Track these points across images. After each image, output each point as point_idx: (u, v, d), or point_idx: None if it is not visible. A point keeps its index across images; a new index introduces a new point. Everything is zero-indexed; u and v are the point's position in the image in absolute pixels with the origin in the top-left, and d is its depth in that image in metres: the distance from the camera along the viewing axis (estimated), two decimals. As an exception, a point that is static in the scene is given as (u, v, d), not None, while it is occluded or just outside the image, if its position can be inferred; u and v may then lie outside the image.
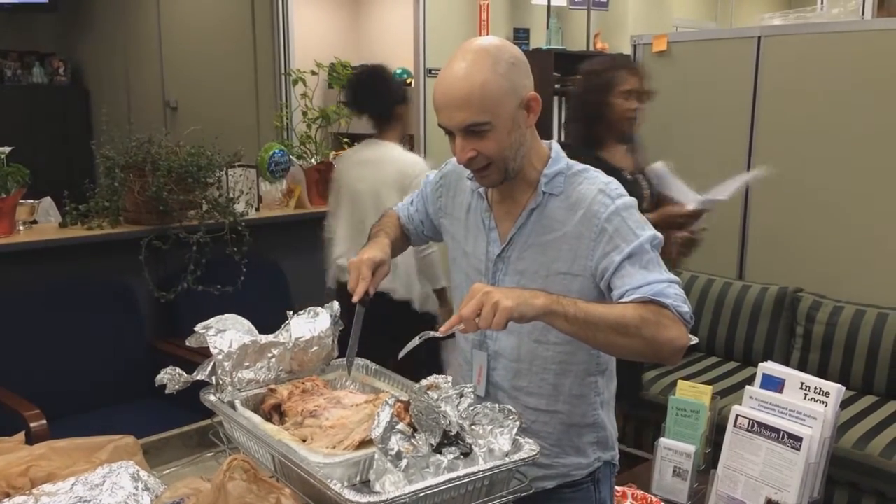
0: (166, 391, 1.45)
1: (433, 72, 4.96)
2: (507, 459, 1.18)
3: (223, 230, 3.15)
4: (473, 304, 1.25)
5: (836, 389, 2.02)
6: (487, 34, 5.21)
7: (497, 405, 1.26)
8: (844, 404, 3.03)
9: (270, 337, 1.45)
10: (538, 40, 5.50)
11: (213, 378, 1.39)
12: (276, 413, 1.38)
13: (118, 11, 5.54)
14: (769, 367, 2.15)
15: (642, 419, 3.31)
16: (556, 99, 5.29)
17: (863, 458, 2.72)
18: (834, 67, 3.38)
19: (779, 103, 3.56)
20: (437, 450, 1.16)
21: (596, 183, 1.48)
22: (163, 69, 5.17)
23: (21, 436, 1.59)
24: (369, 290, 1.52)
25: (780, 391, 2.12)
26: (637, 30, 5.38)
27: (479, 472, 1.14)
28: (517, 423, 1.24)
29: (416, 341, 1.32)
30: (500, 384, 1.57)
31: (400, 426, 1.14)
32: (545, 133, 5.02)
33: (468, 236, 1.61)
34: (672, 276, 1.40)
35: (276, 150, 3.53)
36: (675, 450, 2.29)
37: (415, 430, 1.18)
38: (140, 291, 3.17)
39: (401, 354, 1.33)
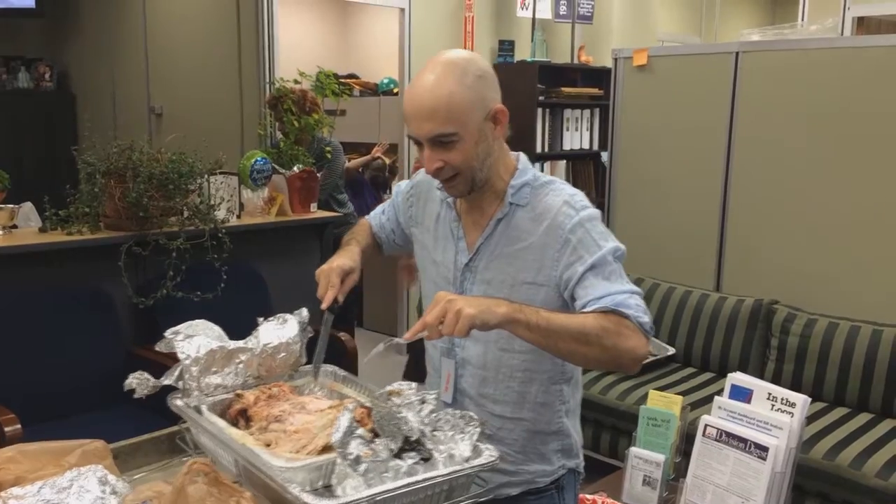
0: (135, 395, 1.46)
1: (418, 82, 5.00)
2: (467, 465, 1.20)
3: (203, 237, 3.16)
4: (437, 312, 1.28)
5: (801, 400, 2.05)
6: (472, 46, 5.25)
7: (458, 412, 1.29)
8: (816, 416, 3.08)
9: (239, 343, 1.47)
10: (523, 53, 5.55)
11: (181, 383, 1.40)
12: (242, 418, 1.39)
13: (104, 17, 5.55)
14: (738, 378, 2.18)
15: (617, 429, 3.34)
16: (539, 111, 5.33)
17: (832, 468, 2.76)
18: (811, 83, 3.43)
19: (756, 118, 3.61)
20: (398, 455, 1.18)
21: (561, 195, 1.51)
22: (148, 75, 5.18)
23: (-9, 439, 1.61)
24: (338, 298, 1.55)
25: (749, 402, 2.16)
26: (622, 43, 5.45)
27: (438, 476, 1.16)
28: (478, 429, 1.26)
29: (380, 347, 1.34)
30: (467, 391, 1.59)
31: (360, 431, 1.16)
32: (529, 144, 5.09)
33: (437, 245, 1.64)
34: (634, 288, 1.43)
35: (258, 158, 3.55)
36: (645, 459, 2.31)
37: (376, 435, 1.20)
38: (120, 297, 3.18)
39: (366, 360, 1.35)
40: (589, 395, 3.40)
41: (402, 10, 4.93)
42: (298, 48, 5.60)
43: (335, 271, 1.56)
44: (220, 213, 3.34)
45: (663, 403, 2.37)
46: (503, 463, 1.57)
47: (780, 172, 3.55)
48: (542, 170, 5.44)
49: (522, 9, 5.40)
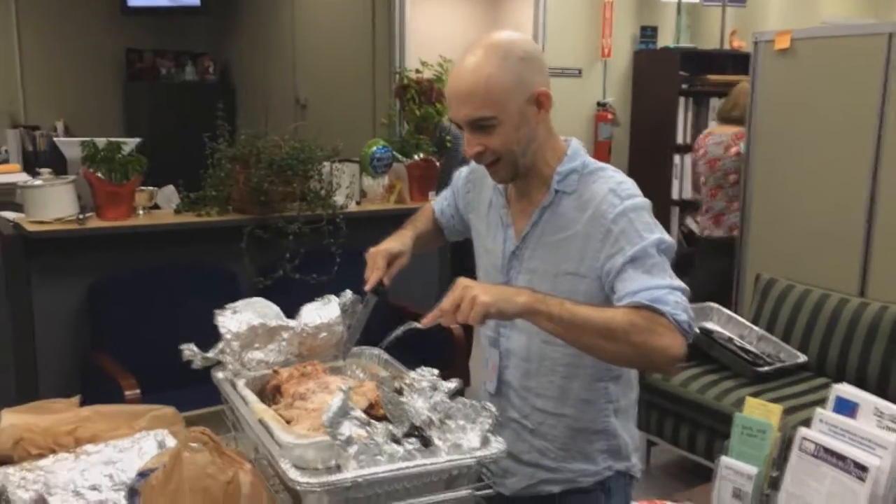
0: (192, 366, 1.55)
1: (551, 70, 4.91)
2: (467, 455, 1.17)
3: (321, 221, 3.29)
4: (453, 298, 1.27)
5: (912, 419, 1.84)
6: (611, 33, 5.10)
7: (472, 402, 1.26)
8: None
9: (282, 321, 1.52)
10: (666, 39, 5.32)
11: (223, 356, 1.47)
12: (277, 393, 1.44)
13: (260, 14, 5.89)
14: (844, 390, 1.98)
15: (714, 430, 3.18)
16: (681, 99, 5.09)
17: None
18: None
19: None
20: (398, 440, 1.17)
21: (608, 182, 1.44)
22: (295, 68, 5.45)
23: (75, 399, 1.75)
24: (384, 281, 1.56)
25: (854, 416, 1.96)
26: (779, 28, 5.07)
27: (432, 463, 1.14)
28: (490, 420, 1.23)
29: (399, 331, 1.34)
30: (511, 383, 1.55)
31: (356, 412, 1.16)
32: (669, 134, 4.92)
33: (489, 233, 1.61)
34: (677, 283, 1.33)
35: (379, 147, 3.63)
36: (736, 470, 2.14)
37: (379, 419, 1.20)
38: (242, 277, 3.36)
39: (383, 344, 1.35)
40: (685, 394, 3.26)
41: (538, -3, 4.87)
42: (433, 38, 5.65)
43: (382, 254, 1.58)
44: (339, 199, 3.45)
45: (761, 412, 2.19)
46: (544, 459, 1.53)
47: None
48: (681, 162, 5.19)
49: (668, -7, 5.18)
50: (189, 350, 1.50)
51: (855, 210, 3.46)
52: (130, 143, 3.23)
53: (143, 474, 1.29)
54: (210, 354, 1.49)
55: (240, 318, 1.47)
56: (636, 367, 1.49)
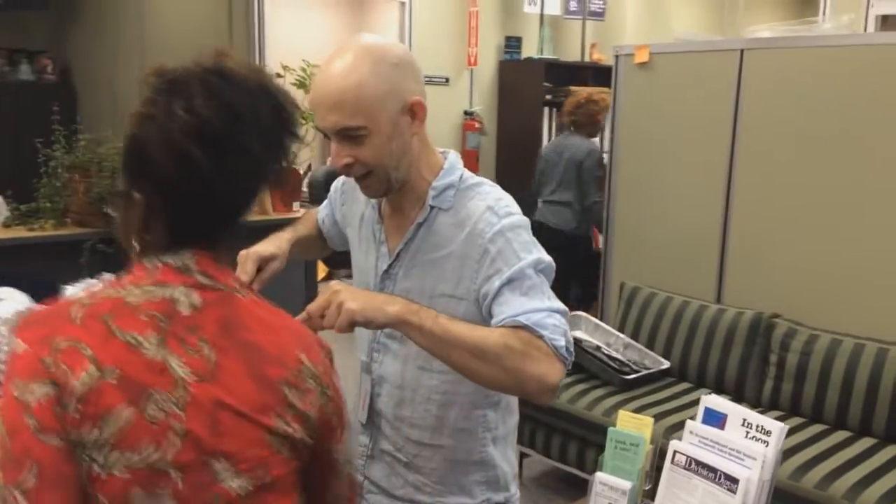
0: None
1: (418, 79, 4.85)
2: None
3: (174, 235, 3.05)
4: (321, 302, 1.16)
5: (778, 429, 1.87)
6: (477, 42, 5.10)
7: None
8: (814, 440, 2.87)
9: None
10: (531, 50, 5.38)
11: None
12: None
13: (105, 11, 5.48)
14: (712, 401, 2.00)
15: (586, 440, 3.20)
16: (546, 109, 5.16)
17: (825, 499, 2.54)
18: (821, 85, 3.21)
19: (761, 120, 3.40)
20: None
21: (486, 199, 1.35)
22: (144, 70, 5.10)
23: None
24: (252, 286, 1.41)
25: (723, 427, 1.98)
26: (635, 41, 5.24)
27: None
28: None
29: None
30: (384, 412, 1.44)
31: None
32: (533, 143, 4.91)
33: (361, 248, 1.50)
34: (557, 305, 1.26)
35: (237, 154, 3.42)
36: (610, 486, 2.12)
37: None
38: (84, 296, 3.07)
39: None
40: (556, 404, 3.23)
41: (403, 3, 4.79)
42: (294, 42, 5.46)
43: (252, 257, 1.42)
44: (194, 211, 3.23)
45: (633, 425, 2.19)
46: (420, 494, 1.42)
47: (785, 179, 3.33)
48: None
49: (530, 4, 5.23)
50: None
51: (711, 219, 3.58)
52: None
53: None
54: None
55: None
56: (509, 392, 1.41)
